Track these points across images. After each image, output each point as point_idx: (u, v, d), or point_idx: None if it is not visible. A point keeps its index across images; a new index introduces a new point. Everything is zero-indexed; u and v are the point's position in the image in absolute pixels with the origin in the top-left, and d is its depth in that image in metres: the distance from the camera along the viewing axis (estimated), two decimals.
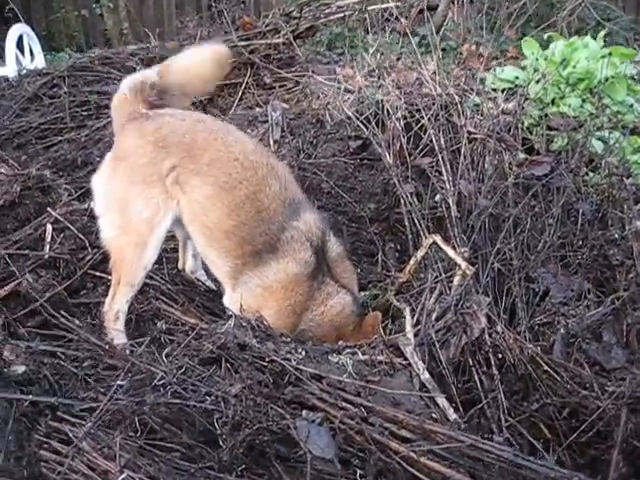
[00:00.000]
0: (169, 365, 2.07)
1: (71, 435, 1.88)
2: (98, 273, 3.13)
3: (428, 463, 1.76)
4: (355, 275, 2.81)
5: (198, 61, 2.97)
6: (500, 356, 2.57)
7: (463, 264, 2.75)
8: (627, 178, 3.33)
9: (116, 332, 2.76)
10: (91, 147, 4.27)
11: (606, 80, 3.54)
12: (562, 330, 2.59)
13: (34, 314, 2.95)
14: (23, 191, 3.40)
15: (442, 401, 2.38)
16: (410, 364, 2.47)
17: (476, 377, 2.54)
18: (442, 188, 3.38)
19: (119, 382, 1.96)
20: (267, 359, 2.26)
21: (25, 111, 5.01)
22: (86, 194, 3.75)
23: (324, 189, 3.53)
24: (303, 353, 2.32)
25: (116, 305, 2.77)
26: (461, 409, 2.50)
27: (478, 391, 2.52)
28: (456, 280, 2.75)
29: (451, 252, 2.78)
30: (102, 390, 1.98)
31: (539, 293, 2.96)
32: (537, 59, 3.76)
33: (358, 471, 1.83)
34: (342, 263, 2.74)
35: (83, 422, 1.93)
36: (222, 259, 2.73)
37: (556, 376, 2.40)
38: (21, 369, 2.58)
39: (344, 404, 2.10)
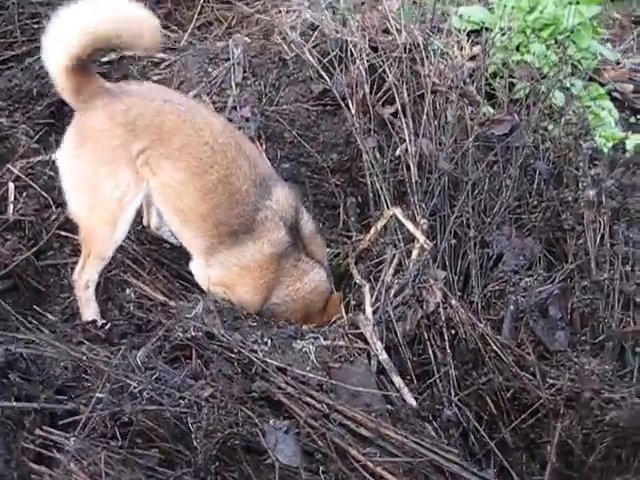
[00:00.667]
0: (143, 371, 2.21)
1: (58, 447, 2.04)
2: (64, 233, 3.17)
3: (384, 474, 1.98)
4: (325, 249, 2.94)
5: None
6: (453, 331, 2.76)
7: (422, 238, 2.90)
8: (585, 135, 3.42)
9: (86, 300, 2.87)
10: (46, 76, 4.13)
11: (572, 29, 3.54)
12: (511, 307, 2.78)
13: (3, 278, 3.02)
14: None
15: (398, 381, 2.60)
16: (369, 343, 2.64)
17: (430, 351, 2.75)
18: (403, 141, 3.45)
19: (98, 394, 2.10)
20: (235, 350, 2.41)
21: None
22: (45, 138, 3.74)
23: (287, 138, 3.57)
24: (269, 342, 2.48)
25: (86, 275, 2.87)
26: (415, 381, 2.72)
27: (431, 364, 2.72)
28: (414, 254, 2.91)
29: (410, 226, 2.92)
30: (83, 402, 2.13)
31: (493, 257, 3.13)
32: (505, 5, 3.73)
33: (322, 475, 2.04)
34: (315, 239, 2.91)
35: (67, 432, 2.09)
36: (198, 238, 2.85)
37: (503, 356, 2.61)
38: None
39: (307, 399, 2.28)
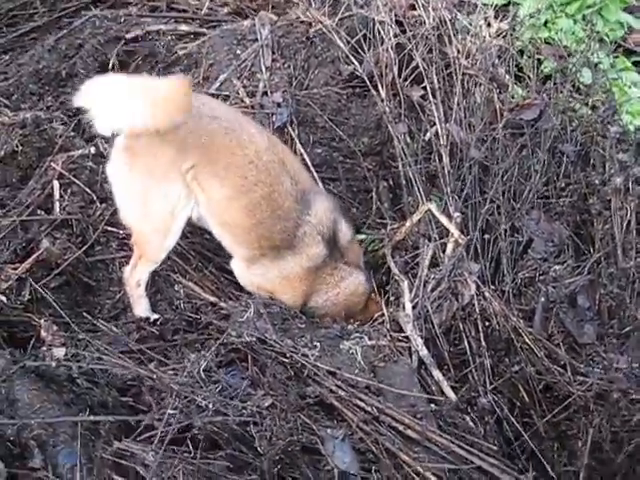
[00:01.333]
0: (207, 384, 2.44)
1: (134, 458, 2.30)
2: (109, 228, 3.35)
3: (432, 478, 2.24)
4: (362, 254, 3.14)
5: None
6: (487, 322, 2.98)
7: (456, 233, 3.08)
8: (612, 115, 3.53)
9: (137, 297, 3.09)
10: (73, 55, 4.24)
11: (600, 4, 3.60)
12: (542, 298, 2.98)
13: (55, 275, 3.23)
14: (21, 137, 3.48)
15: (437, 374, 2.84)
16: (410, 340, 2.87)
17: (465, 342, 2.97)
18: (433, 124, 3.58)
19: (170, 411, 2.34)
20: (287, 355, 2.64)
21: None
22: (81, 127, 3.87)
23: (318, 123, 3.69)
24: (318, 346, 2.70)
25: (137, 275, 3.08)
26: (452, 371, 2.96)
27: (467, 355, 2.96)
28: (449, 248, 3.10)
29: (445, 221, 3.09)
30: (156, 416, 2.37)
31: (522, 243, 3.31)
32: None
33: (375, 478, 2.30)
34: (352, 246, 3.13)
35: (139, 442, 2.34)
36: (241, 248, 3.07)
37: (534, 349, 2.83)
38: (61, 352, 2.94)
39: (357, 402, 2.52)
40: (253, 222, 2.93)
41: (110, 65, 4.28)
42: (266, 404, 2.45)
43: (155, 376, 2.42)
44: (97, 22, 4.47)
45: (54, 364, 2.50)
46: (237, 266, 3.15)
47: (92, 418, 2.42)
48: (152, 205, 2.91)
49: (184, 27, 4.56)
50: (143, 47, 4.41)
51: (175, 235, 2.98)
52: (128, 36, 4.41)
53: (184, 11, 4.85)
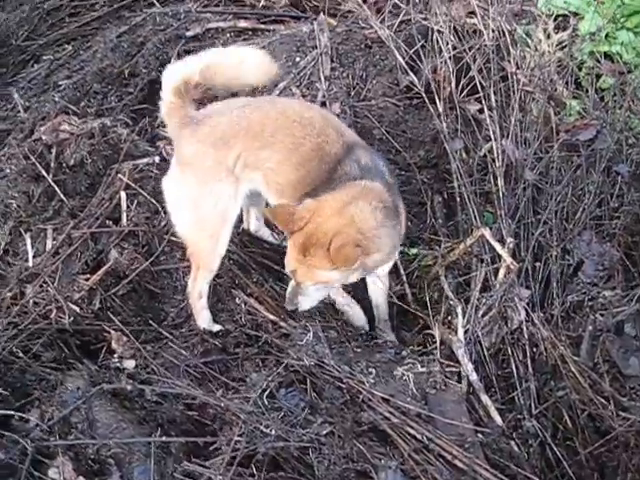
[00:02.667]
0: (270, 410, 2.68)
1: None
2: (173, 238, 3.57)
3: None
4: None
5: (245, 69, 3.14)
6: (535, 348, 3.15)
7: (508, 260, 3.23)
8: None
9: (200, 308, 3.32)
10: (135, 54, 4.42)
11: None
12: (590, 327, 3.13)
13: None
14: (90, 147, 3.70)
15: (486, 399, 3.04)
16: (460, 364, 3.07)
17: (513, 366, 3.16)
18: (489, 140, 3.70)
19: (236, 437, 2.59)
20: (344, 380, 2.86)
21: None
22: (142, 128, 4.07)
23: (376, 135, 3.83)
24: (373, 372, 2.92)
25: (198, 286, 3.30)
26: (498, 393, 3.16)
27: (514, 378, 3.14)
28: (501, 274, 3.25)
29: (498, 247, 3.23)
30: (224, 440, 2.62)
31: (573, 265, 3.45)
32: None
33: None
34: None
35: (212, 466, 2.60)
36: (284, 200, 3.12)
37: (580, 379, 3.00)
38: (131, 364, 3.20)
39: (409, 430, 2.75)
40: (301, 174, 3.03)
41: None
42: (324, 432, 2.66)
43: (223, 404, 2.64)
44: (158, 19, 4.62)
45: (129, 387, 2.72)
46: None
47: (164, 439, 2.67)
48: (203, 210, 3.09)
49: (243, 23, 4.69)
50: (203, 45, 4.55)
51: (225, 240, 3.16)
52: (188, 34, 4.58)
53: (241, 3, 4.98)
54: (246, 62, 3.15)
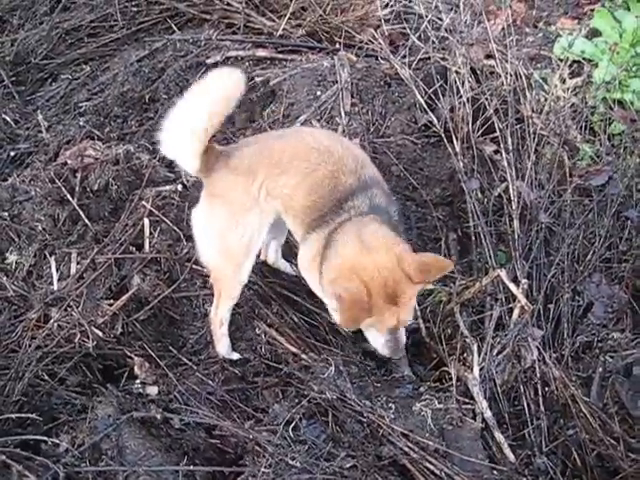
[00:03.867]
0: (296, 443, 2.80)
1: None
2: (194, 266, 3.69)
3: None
4: None
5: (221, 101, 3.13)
6: (547, 387, 3.30)
7: (523, 300, 3.37)
8: None
9: (220, 335, 3.44)
10: (155, 79, 4.54)
11: None
12: (600, 369, 3.28)
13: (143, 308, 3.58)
14: (114, 172, 3.81)
15: (499, 436, 3.17)
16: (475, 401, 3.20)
17: (525, 403, 3.30)
18: (504, 180, 3.85)
19: (263, 469, 2.70)
20: (365, 414, 2.99)
21: (73, 4, 5.14)
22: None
23: (394, 172, 3.97)
24: (393, 407, 3.05)
25: (220, 313, 3.41)
26: (510, 430, 3.29)
27: (525, 416, 3.28)
28: (515, 314, 3.39)
29: (513, 287, 3.38)
30: (252, 471, 2.74)
31: (582, 306, 3.60)
32: (605, 42, 3.97)
33: None
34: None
35: None
36: (298, 227, 3.23)
37: (590, 419, 3.15)
38: (154, 390, 3.31)
39: (427, 465, 2.88)
40: (313, 199, 3.08)
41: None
42: (348, 465, 2.79)
43: (251, 436, 2.76)
44: (178, 45, 4.76)
45: (159, 416, 2.83)
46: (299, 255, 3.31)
47: (191, 468, 2.78)
48: (230, 241, 3.20)
49: (261, 52, 4.83)
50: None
51: (248, 270, 3.28)
52: (208, 62, 4.70)
53: (259, 31, 5.12)
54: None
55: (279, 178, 3.17)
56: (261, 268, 3.76)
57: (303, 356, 3.31)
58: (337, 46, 4.68)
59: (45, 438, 2.82)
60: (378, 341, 3.02)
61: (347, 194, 3.09)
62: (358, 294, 2.77)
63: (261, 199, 3.21)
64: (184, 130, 3.13)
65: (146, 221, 3.74)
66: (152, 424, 3.00)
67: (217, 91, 3.15)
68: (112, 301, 3.52)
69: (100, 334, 3.40)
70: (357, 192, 3.10)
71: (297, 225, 3.26)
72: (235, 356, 3.47)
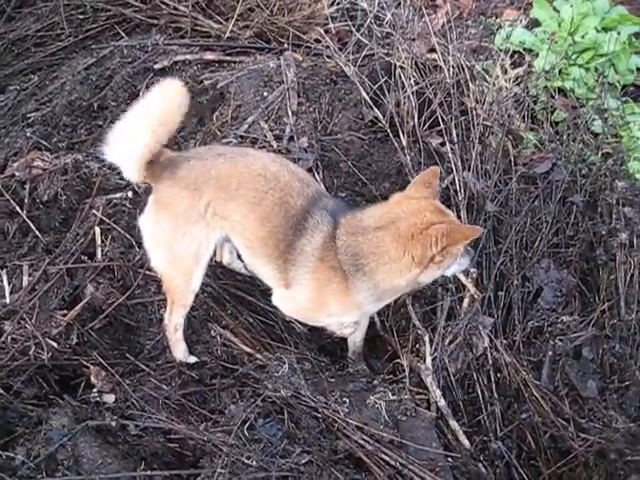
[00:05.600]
0: (252, 442, 2.83)
1: None
2: (147, 272, 3.70)
3: None
4: None
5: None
6: (499, 373, 3.36)
7: (472, 289, 3.44)
8: (620, 165, 3.86)
9: (176, 341, 3.46)
10: (103, 87, 4.54)
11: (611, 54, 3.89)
12: (550, 352, 3.36)
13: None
14: (63, 182, 3.81)
15: (454, 424, 3.23)
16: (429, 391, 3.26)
17: (478, 390, 3.36)
18: (451, 171, 3.91)
19: (219, 470, 2.73)
20: (320, 410, 3.03)
21: (19, 14, 5.11)
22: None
23: (342, 168, 4.01)
24: (347, 401, 3.09)
25: (174, 320, 3.42)
26: (465, 417, 3.36)
27: (479, 402, 3.35)
28: (465, 303, 3.46)
29: (462, 277, 3.44)
30: (208, 472, 2.77)
31: (532, 292, 3.67)
32: (544, 31, 4.05)
33: None
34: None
35: None
36: (267, 266, 3.20)
37: (541, 402, 3.22)
38: (111, 399, 3.32)
39: (383, 456, 2.93)
40: (268, 229, 3.09)
41: (140, 97, 4.56)
42: (303, 461, 2.83)
43: (205, 438, 2.79)
44: (125, 51, 4.75)
45: (114, 423, 2.85)
46: (276, 296, 3.28)
47: (149, 473, 2.80)
48: (177, 250, 3.20)
49: (209, 56, 4.84)
50: (171, 78, 4.67)
51: (199, 278, 3.29)
52: (156, 67, 4.70)
53: (207, 34, 5.13)
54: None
55: (227, 203, 3.16)
56: (215, 270, 3.78)
57: (258, 356, 3.34)
58: (285, 46, 4.67)
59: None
60: (464, 262, 3.06)
61: (303, 214, 3.10)
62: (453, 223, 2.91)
63: (208, 216, 3.20)
64: (126, 147, 3.13)
65: (97, 229, 3.74)
66: (108, 432, 3.00)
67: (158, 106, 3.14)
68: (66, 311, 3.51)
69: (55, 345, 3.39)
70: (311, 209, 3.11)
71: (255, 257, 3.25)
72: (192, 359, 3.48)
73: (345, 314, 3.22)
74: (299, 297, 3.19)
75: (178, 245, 3.23)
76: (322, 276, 3.09)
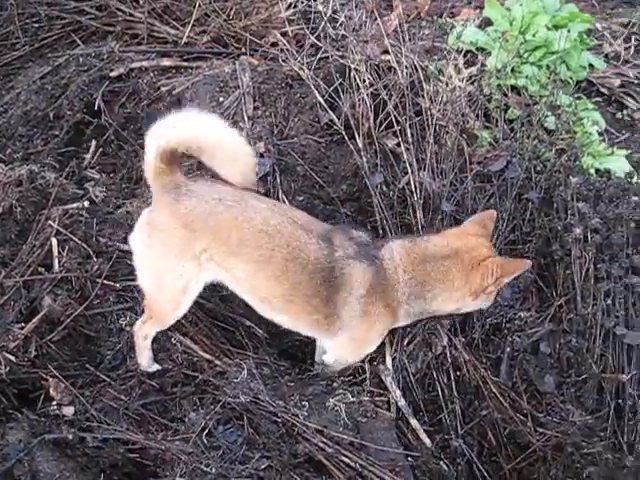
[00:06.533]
0: (210, 449, 2.83)
1: None
2: (106, 282, 3.68)
3: None
4: None
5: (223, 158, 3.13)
6: (458, 371, 3.39)
7: None
8: (574, 161, 3.90)
9: (143, 348, 3.42)
10: (59, 96, 4.51)
11: (562, 52, 3.94)
12: (508, 349, 3.39)
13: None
14: (18, 194, 3.77)
15: (415, 423, 3.25)
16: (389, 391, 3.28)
17: (438, 389, 3.38)
18: (406, 173, 3.93)
19: (178, 478, 2.72)
20: (279, 414, 3.04)
21: None
22: (75, 175, 4.18)
23: (299, 172, 4.01)
24: (306, 405, 3.10)
25: (146, 330, 3.37)
26: (426, 416, 3.38)
27: (440, 401, 3.37)
28: None
29: None
30: None
31: None
32: (496, 30, 4.08)
33: None
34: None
35: None
36: (302, 321, 3.17)
37: (500, 399, 3.25)
38: (70, 411, 3.30)
39: (343, 459, 2.93)
40: (287, 287, 3.03)
41: (96, 106, 4.55)
42: (263, 466, 2.83)
43: (164, 447, 2.78)
44: (81, 59, 4.71)
45: (70, 436, 2.83)
46: (329, 351, 3.32)
47: None
48: (166, 280, 3.13)
49: (166, 62, 4.82)
50: (127, 85, 4.67)
51: (185, 307, 3.23)
52: (112, 74, 4.67)
53: (164, 40, 5.11)
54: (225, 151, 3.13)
55: (228, 257, 3.07)
56: None
57: (217, 362, 3.33)
58: (243, 50, 4.66)
59: None
60: (492, 298, 3.24)
61: (326, 270, 3.05)
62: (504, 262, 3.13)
63: (203, 260, 3.10)
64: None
65: (54, 240, 3.70)
66: (66, 445, 2.99)
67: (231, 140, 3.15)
68: (23, 324, 3.47)
69: (12, 359, 3.35)
70: (332, 262, 3.07)
71: (274, 312, 3.21)
72: (154, 368, 3.46)
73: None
74: (348, 342, 3.21)
75: (168, 274, 3.14)
76: (373, 317, 3.13)
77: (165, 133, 3.03)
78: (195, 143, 3.05)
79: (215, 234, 3.03)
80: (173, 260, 3.09)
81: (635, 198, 3.70)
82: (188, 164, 3.83)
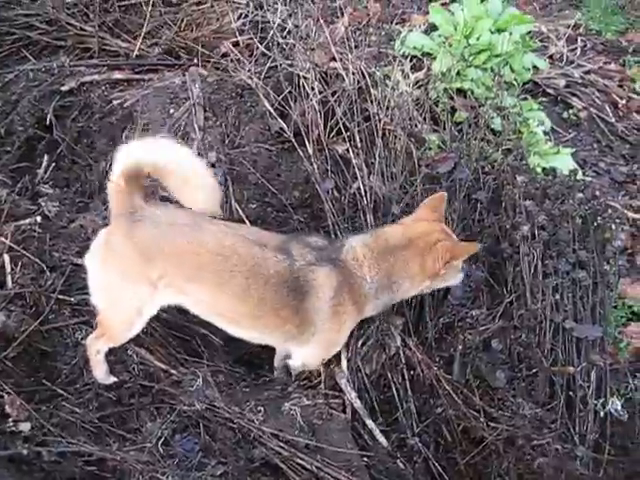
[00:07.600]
0: (166, 457, 2.85)
1: None
2: (60, 296, 3.68)
3: None
4: None
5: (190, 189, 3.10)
6: (412, 371, 3.45)
7: None
8: (521, 160, 3.99)
9: (96, 362, 3.42)
10: (10, 112, 4.51)
11: (505, 54, 4.03)
12: (460, 347, 3.45)
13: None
14: None
15: (370, 423, 3.30)
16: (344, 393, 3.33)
17: (393, 389, 3.44)
18: (357, 178, 4.00)
19: None
20: (235, 421, 3.07)
21: None
22: (28, 191, 4.18)
23: (251, 180, 4.06)
24: (262, 409, 3.13)
25: (98, 345, 3.37)
26: (382, 417, 3.43)
27: (395, 401, 3.43)
28: None
29: None
30: None
31: (443, 290, 3.77)
32: (440, 35, 4.17)
33: None
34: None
35: None
36: (274, 334, 3.21)
37: (454, 395, 3.31)
38: (27, 427, 3.30)
39: (299, 461, 2.98)
40: (253, 304, 3.06)
41: (47, 121, 4.55)
42: (219, 472, 2.86)
43: (119, 458, 2.80)
44: (31, 74, 4.71)
45: (25, 452, 2.83)
46: (295, 359, 3.39)
47: None
48: (120, 301, 3.13)
49: (117, 75, 4.83)
50: (78, 99, 4.68)
51: (139, 328, 3.23)
52: (63, 89, 4.67)
53: (115, 53, 5.13)
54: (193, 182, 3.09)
55: (186, 283, 3.08)
56: None
57: (173, 371, 3.35)
58: (195, 61, 4.70)
59: None
60: (459, 276, 3.38)
61: (290, 281, 3.07)
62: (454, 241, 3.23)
63: (160, 286, 3.10)
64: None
65: (6, 257, 3.69)
66: (22, 460, 2.98)
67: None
68: None
69: None
70: (295, 271, 3.09)
71: (242, 329, 3.25)
72: (111, 380, 3.47)
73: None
74: (321, 345, 3.27)
75: (123, 296, 3.15)
76: (343, 316, 3.19)
77: (135, 153, 3.03)
78: (164, 169, 3.04)
79: (171, 260, 3.02)
80: (129, 283, 3.09)
81: (580, 195, 3.79)
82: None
